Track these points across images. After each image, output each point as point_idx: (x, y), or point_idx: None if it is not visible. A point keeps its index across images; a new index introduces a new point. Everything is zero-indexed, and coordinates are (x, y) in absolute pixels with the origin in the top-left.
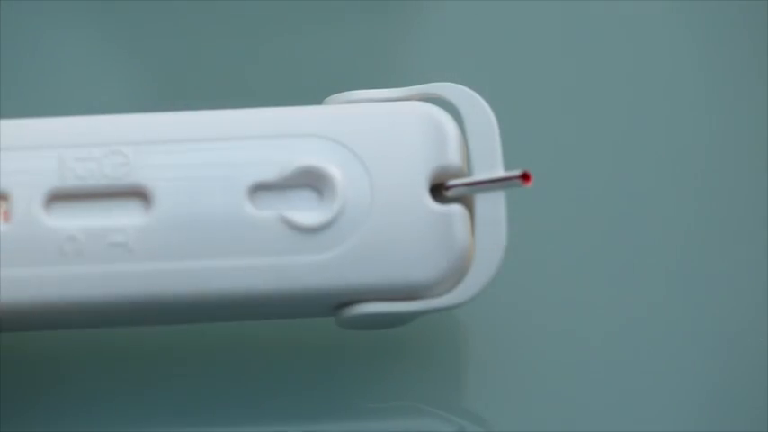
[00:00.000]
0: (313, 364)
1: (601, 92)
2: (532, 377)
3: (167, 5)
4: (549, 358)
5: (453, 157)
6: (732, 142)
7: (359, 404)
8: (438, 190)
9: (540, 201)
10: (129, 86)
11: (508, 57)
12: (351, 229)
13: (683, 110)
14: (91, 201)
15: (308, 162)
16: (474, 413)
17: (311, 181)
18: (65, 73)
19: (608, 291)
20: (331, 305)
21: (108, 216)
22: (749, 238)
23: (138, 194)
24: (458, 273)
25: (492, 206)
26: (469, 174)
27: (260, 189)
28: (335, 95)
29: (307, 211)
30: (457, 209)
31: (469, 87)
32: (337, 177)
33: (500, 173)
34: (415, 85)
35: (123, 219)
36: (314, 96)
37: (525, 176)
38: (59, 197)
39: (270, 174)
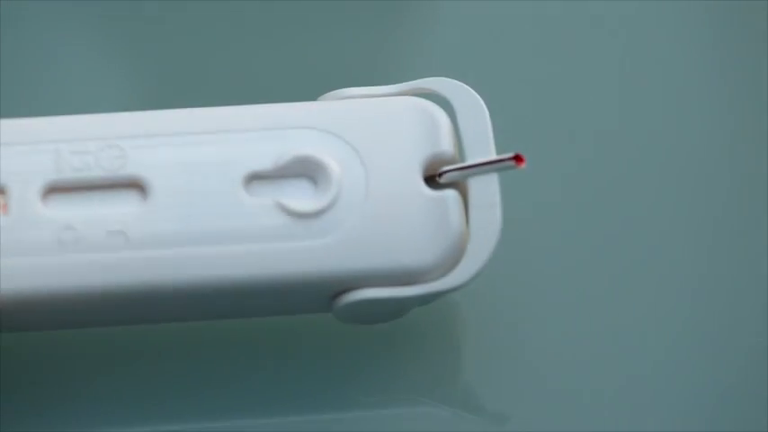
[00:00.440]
0: (308, 358)
1: (598, 87)
2: (532, 369)
3: (165, 6)
4: (548, 351)
5: (446, 146)
6: (732, 139)
7: (354, 396)
8: (432, 179)
9: (535, 194)
10: (128, 88)
11: (505, 55)
12: (346, 215)
13: (680, 104)
14: (88, 192)
15: (303, 152)
16: (471, 404)
17: (306, 170)
18: (63, 75)
19: (606, 286)
20: (328, 293)
21: (105, 206)
22: (749, 235)
23: (135, 186)
24: (454, 256)
25: (486, 189)
26: (462, 162)
27: (255, 179)
28: (330, 93)
29: (302, 199)
30: (451, 193)
31: (465, 84)
32: (332, 166)
33: (492, 156)
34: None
35: (120, 208)
36: (310, 96)
37: (518, 158)
38: (56, 189)
39: (265, 163)
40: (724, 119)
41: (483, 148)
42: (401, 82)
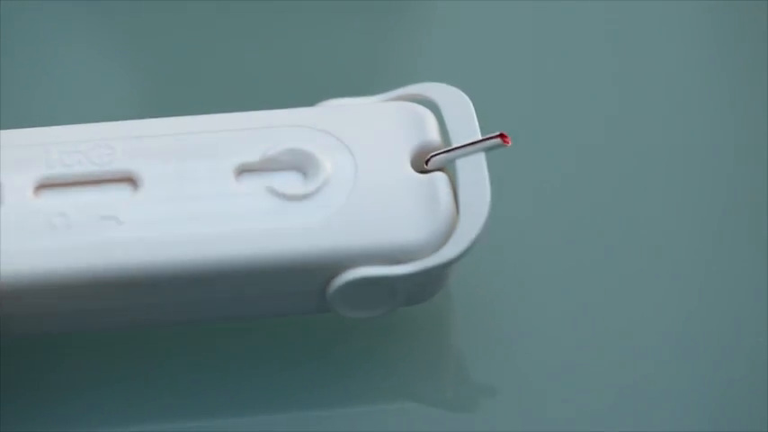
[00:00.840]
0: (301, 357)
1: (595, 87)
2: (527, 369)
3: (163, 6)
4: (543, 351)
5: (432, 137)
6: (733, 138)
7: (347, 394)
8: (421, 168)
9: (533, 193)
10: (126, 89)
11: (501, 59)
12: (335, 197)
13: (681, 104)
14: (79, 186)
15: (292, 145)
16: (465, 402)
17: (295, 162)
18: (62, 81)
19: (606, 286)
20: (322, 276)
21: (97, 196)
22: (750, 234)
23: (126, 179)
24: (444, 233)
25: (473, 167)
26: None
27: (245, 171)
28: (321, 102)
29: (292, 185)
30: (438, 174)
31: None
32: (319, 155)
33: (477, 137)
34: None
35: (112, 197)
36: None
37: (503, 136)
38: (48, 184)
39: (253, 155)
40: (726, 118)
41: (469, 134)
42: (394, 89)
